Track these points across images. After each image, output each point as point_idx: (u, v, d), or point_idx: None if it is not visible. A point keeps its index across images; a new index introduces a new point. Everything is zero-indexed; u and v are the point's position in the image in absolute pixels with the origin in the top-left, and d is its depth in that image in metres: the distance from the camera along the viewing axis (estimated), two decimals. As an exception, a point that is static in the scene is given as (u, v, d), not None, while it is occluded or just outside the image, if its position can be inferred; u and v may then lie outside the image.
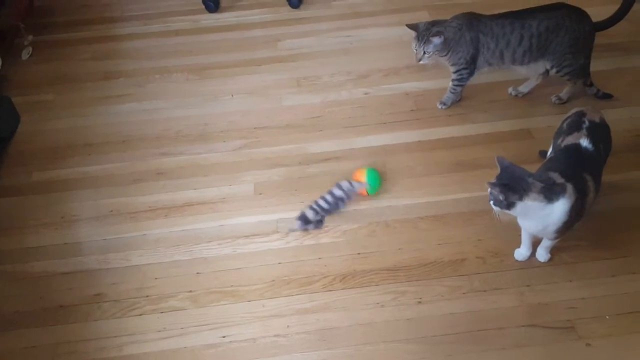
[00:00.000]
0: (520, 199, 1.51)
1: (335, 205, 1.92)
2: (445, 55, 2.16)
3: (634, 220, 1.88)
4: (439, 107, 2.31)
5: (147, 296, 1.76)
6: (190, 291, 1.77)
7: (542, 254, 1.76)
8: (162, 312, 1.72)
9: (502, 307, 1.68)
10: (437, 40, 2.09)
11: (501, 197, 1.51)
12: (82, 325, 1.70)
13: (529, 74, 2.28)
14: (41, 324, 1.71)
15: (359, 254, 1.85)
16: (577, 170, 1.62)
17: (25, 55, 2.72)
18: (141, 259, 1.87)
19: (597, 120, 1.75)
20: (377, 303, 1.71)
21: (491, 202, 1.57)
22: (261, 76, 2.55)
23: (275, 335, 1.66)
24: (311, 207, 1.92)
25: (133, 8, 3.00)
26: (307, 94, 2.44)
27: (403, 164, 2.11)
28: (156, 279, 1.81)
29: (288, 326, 1.68)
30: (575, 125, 1.75)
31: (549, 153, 1.85)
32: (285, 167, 2.14)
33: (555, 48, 2.11)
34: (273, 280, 1.79)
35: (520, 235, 1.76)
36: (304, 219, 1.91)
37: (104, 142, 2.28)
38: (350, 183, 1.93)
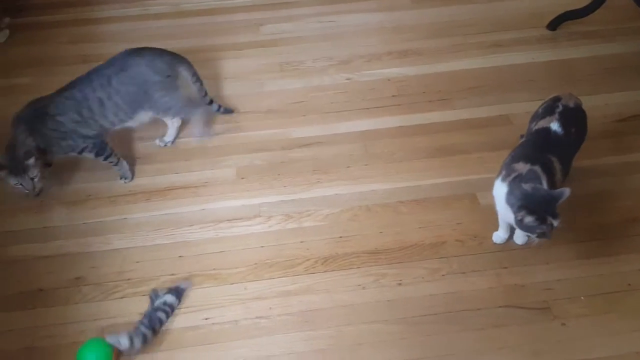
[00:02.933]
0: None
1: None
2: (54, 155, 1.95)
3: (608, 204, 1.92)
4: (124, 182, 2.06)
5: (129, 279, 1.76)
6: (172, 274, 1.77)
7: (519, 237, 1.79)
8: (143, 295, 1.72)
9: (480, 289, 1.71)
10: (32, 161, 1.83)
11: (547, 231, 1.55)
12: (63, 309, 1.69)
13: (140, 125, 2.11)
14: (20, 307, 1.70)
15: (340, 237, 1.86)
16: (542, 153, 1.66)
17: (2, 37, 2.67)
18: (122, 242, 1.86)
19: (571, 105, 1.78)
20: (359, 285, 1.73)
21: (537, 237, 1.59)
22: (243, 61, 2.54)
23: (257, 317, 1.67)
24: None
25: (112, -9, 2.96)
26: (289, 79, 2.44)
27: (384, 149, 2.12)
28: (137, 262, 1.80)
29: (270, 308, 1.69)
30: (549, 109, 1.78)
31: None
32: (268, 152, 2.14)
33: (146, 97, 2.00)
34: (255, 264, 1.80)
35: (498, 218, 1.79)
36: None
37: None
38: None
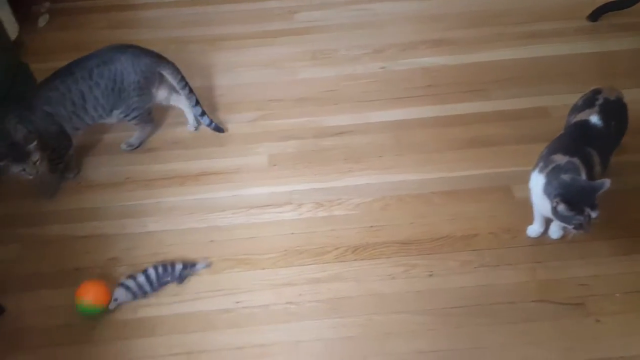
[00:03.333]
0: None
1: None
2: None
3: (648, 200, 1.88)
4: (46, 195, 2.01)
5: (162, 261, 1.79)
6: (205, 258, 1.80)
7: (555, 231, 1.77)
8: (176, 277, 1.76)
9: (513, 283, 1.69)
10: (33, 146, 1.79)
11: (585, 222, 1.51)
12: (99, 288, 1.74)
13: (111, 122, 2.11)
14: (59, 285, 1.75)
15: (371, 226, 1.86)
16: (581, 145, 1.62)
17: (42, 22, 2.73)
18: (156, 225, 1.89)
19: (612, 97, 1.74)
20: (388, 275, 1.73)
21: (574, 229, 1.56)
22: (276, 48, 2.54)
23: (287, 303, 1.69)
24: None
25: (149, -23, 2.99)
26: (322, 67, 2.44)
27: (417, 140, 2.11)
28: (170, 245, 1.84)
29: (300, 294, 1.70)
30: (589, 101, 1.74)
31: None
32: (299, 140, 2.15)
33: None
34: (286, 250, 1.81)
35: (533, 212, 1.76)
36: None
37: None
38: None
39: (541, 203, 1.60)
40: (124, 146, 2.14)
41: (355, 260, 1.78)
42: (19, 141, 1.78)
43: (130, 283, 1.69)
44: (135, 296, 1.68)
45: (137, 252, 1.82)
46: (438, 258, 1.76)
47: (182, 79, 2.09)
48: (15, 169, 1.81)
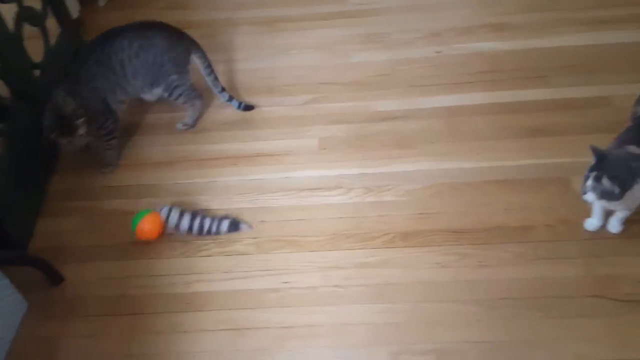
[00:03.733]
0: (631, 186, 1.46)
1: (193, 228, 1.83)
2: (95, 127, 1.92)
3: None
4: (106, 170, 2.07)
5: (215, 239, 1.83)
6: (255, 238, 1.83)
7: (614, 226, 1.70)
8: (228, 255, 1.79)
9: (568, 277, 1.64)
10: (81, 121, 1.83)
11: (617, 190, 1.46)
12: (153, 262, 1.79)
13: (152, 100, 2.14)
14: (115, 257, 1.81)
15: (421, 213, 1.84)
16: None
17: (102, 1, 2.80)
18: (209, 204, 1.93)
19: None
20: (438, 263, 1.71)
21: (591, 195, 1.51)
22: (330, 31, 2.52)
23: (334, 286, 1.69)
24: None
25: (206, -42, 3.02)
26: (375, 51, 2.41)
27: (472, 127, 2.06)
28: (222, 223, 1.87)
29: (347, 278, 1.71)
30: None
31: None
32: (350, 124, 2.13)
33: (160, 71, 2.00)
34: (334, 234, 1.82)
35: (592, 205, 1.70)
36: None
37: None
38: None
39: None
40: (179, 126, 2.18)
41: (404, 247, 1.76)
42: (67, 115, 1.83)
43: (177, 212, 1.82)
44: (172, 224, 1.81)
45: (190, 229, 1.87)
46: (490, 248, 1.73)
47: (209, 65, 2.13)
48: (63, 141, 1.86)
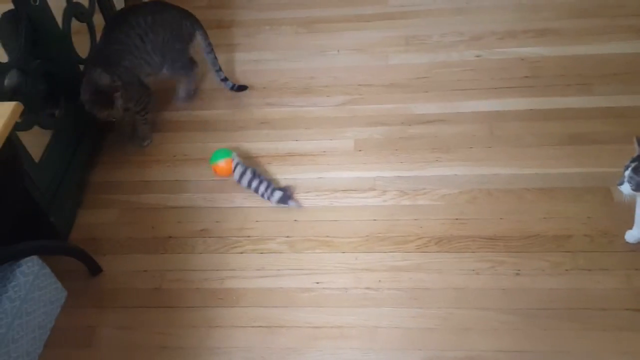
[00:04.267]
0: None
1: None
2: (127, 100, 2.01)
3: None
4: (145, 144, 2.18)
5: (248, 236, 1.85)
6: (288, 237, 1.84)
7: (656, 238, 1.66)
8: (261, 253, 1.80)
9: (607, 288, 1.60)
10: (118, 94, 1.93)
11: None
12: (189, 257, 1.82)
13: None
14: (152, 251, 1.85)
15: (457, 219, 1.82)
16: None
17: None
18: (244, 201, 1.95)
19: None
20: (472, 270, 1.69)
21: (627, 186, 1.48)
22: (369, 33, 2.52)
23: (366, 288, 1.69)
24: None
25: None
26: (414, 53, 2.39)
27: (512, 132, 2.03)
28: (257, 221, 1.89)
29: (380, 281, 1.70)
30: None
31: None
32: (387, 127, 2.13)
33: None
34: (367, 236, 1.81)
35: (633, 216, 1.65)
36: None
37: (213, 89, 2.37)
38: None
39: None
40: (179, 100, 2.31)
41: (438, 252, 1.75)
42: (104, 88, 1.92)
43: (241, 168, 1.95)
44: (236, 176, 1.95)
45: (225, 225, 1.89)
46: (527, 257, 1.70)
47: (210, 44, 2.24)
48: (103, 113, 1.96)
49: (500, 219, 1.80)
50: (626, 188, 1.50)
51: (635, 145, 1.50)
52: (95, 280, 1.79)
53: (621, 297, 1.58)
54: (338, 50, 2.46)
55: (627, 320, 1.54)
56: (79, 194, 2.03)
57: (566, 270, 1.65)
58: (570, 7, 2.46)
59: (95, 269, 1.80)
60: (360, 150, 2.07)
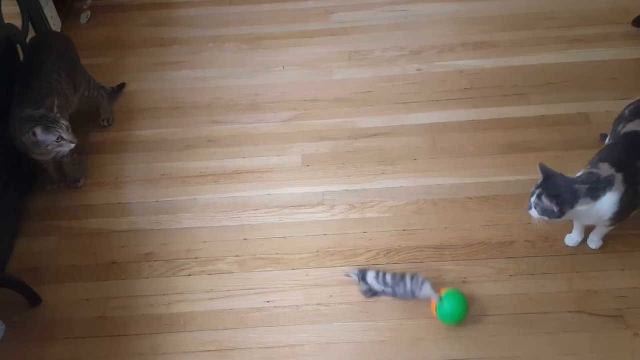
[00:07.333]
0: (572, 207, 1.49)
1: (394, 291, 1.64)
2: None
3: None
4: (80, 185, 2.05)
5: (196, 258, 1.81)
6: (237, 256, 1.81)
7: (594, 241, 1.72)
8: (209, 274, 1.77)
9: (550, 292, 1.65)
10: (56, 107, 1.84)
11: (555, 209, 1.49)
12: (133, 282, 1.77)
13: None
14: (95, 278, 1.79)
15: (404, 230, 1.84)
16: (631, 159, 1.57)
17: (84, 19, 2.79)
18: (191, 222, 1.91)
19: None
20: (421, 280, 1.71)
21: (535, 211, 1.54)
22: (313, 49, 2.54)
23: (318, 304, 1.68)
24: (377, 273, 1.66)
25: (189, -24, 3.03)
26: (358, 68, 2.42)
27: (454, 143, 2.08)
28: (205, 242, 1.85)
29: (331, 296, 1.70)
30: (638, 112, 1.68)
31: (607, 139, 1.79)
32: (334, 141, 2.14)
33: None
34: (317, 251, 1.81)
35: (572, 220, 1.72)
36: (362, 277, 1.68)
37: (158, 108, 2.33)
38: (422, 283, 1.62)
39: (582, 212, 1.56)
40: (105, 122, 2.27)
41: (387, 264, 1.76)
42: (45, 106, 1.81)
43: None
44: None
45: (172, 248, 1.84)
46: (472, 264, 1.73)
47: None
48: (51, 138, 1.79)
49: (446, 228, 1.83)
50: (534, 213, 1.56)
51: (540, 172, 1.56)
52: (36, 311, 1.71)
53: (563, 300, 1.64)
54: (283, 67, 2.47)
55: (570, 322, 1.59)
56: (17, 222, 1.94)
57: (510, 276, 1.70)
58: (505, 20, 2.56)
59: (35, 300, 1.72)
60: (308, 166, 2.07)
